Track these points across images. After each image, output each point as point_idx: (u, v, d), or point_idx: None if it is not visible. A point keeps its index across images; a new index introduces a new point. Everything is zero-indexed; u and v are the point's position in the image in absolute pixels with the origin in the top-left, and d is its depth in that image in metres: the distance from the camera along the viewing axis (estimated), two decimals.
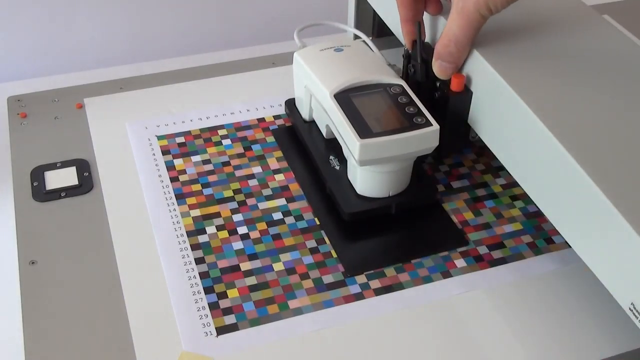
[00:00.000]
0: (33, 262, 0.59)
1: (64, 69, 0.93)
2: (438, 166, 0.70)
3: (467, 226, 0.64)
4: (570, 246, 0.62)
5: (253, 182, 0.68)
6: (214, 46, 0.98)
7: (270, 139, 0.73)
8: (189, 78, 0.81)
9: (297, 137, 0.72)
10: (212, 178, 0.68)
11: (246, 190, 0.67)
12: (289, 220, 0.64)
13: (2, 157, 0.72)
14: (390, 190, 0.63)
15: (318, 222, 0.64)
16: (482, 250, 0.61)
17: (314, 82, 0.64)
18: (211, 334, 0.54)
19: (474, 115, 0.61)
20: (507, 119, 0.56)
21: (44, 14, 0.89)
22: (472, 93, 0.60)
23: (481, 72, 0.59)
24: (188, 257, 0.60)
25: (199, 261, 0.60)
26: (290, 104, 0.74)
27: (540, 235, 0.63)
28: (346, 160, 0.64)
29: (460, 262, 0.60)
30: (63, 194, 0.66)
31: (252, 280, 0.58)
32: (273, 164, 0.70)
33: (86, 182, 0.67)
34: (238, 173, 0.69)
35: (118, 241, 0.61)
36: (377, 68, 0.65)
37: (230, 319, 0.55)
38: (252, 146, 0.72)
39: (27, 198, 0.66)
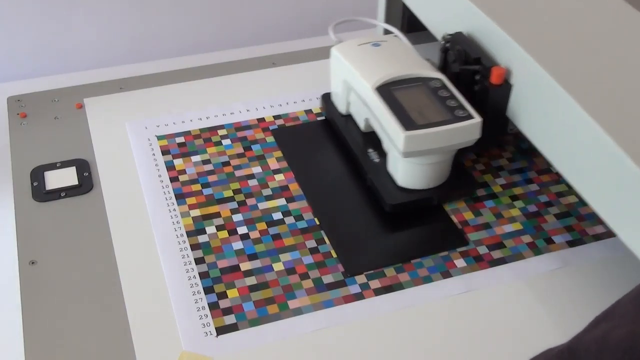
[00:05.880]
0: (33, 262, 0.59)
1: (64, 69, 0.93)
2: None
3: (467, 226, 0.64)
4: (570, 246, 0.62)
5: (253, 182, 0.68)
6: (214, 46, 0.98)
7: (270, 139, 0.73)
8: (189, 78, 0.81)
9: (298, 137, 0.72)
10: (212, 178, 0.68)
11: (246, 190, 0.67)
12: (289, 220, 0.64)
13: (2, 157, 0.72)
14: (430, 182, 0.64)
15: (318, 222, 0.64)
16: (482, 250, 0.61)
17: (354, 76, 0.65)
18: (211, 334, 0.54)
19: (514, 107, 0.61)
20: (550, 111, 0.56)
21: (44, 14, 0.89)
22: (511, 86, 0.61)
23: (522, 64, 0.59)
24: (188, 257, 0.60)
25: (199, 261, 0.60)
26: (326, 98, 0.74)
27: (540, 235, 0.63)
28: (385, 153, 0.65)
29: (460, 262, 0.60)
30: (63, 194, 0.66)
31: (252, 280, 0.58)
32: (273, 164, 0.70)
33: (86, 182, 0.67)
34: (238, 173, 0.69)
35: (118, 241, 0.61)
36: (416, 62, 0.66)
37: (230, 319, 0.55)
38: (252, 146, 0.72)
39: (27, 198, 0.66)
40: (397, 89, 0.62)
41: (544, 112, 0.57)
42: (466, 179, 0.66)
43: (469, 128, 0.59)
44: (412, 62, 0.66)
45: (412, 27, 0.83)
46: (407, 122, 0.59)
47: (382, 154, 0.66)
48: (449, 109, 0.60)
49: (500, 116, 0.63)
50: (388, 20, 0.84)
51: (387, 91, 0.62)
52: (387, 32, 0.82)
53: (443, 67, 0.67)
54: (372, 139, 0.67)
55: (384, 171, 0.65)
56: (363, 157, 0.67)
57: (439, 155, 0.61)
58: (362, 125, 0.69)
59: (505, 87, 0.61)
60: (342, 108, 0.72)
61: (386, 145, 0.64)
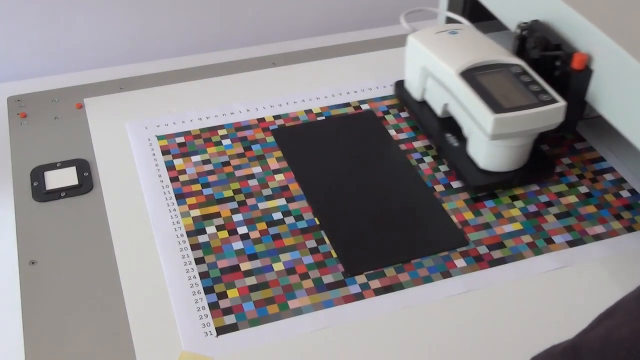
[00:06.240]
0: (33, 262, 0.59)
1: (64, 69, 0.93)
2: (438, 166, 0.70)
3: (467, 226, 0.64)
4: (570, 246, 0.62)
5: (253, 182, 0.68)
6: (214, 46, 0.98)
7: (270, 139, 0.73)
8: (189, 78, 0.81)
9: (298, 137, 0.72)
10: (212, 178, 0.68)
11: (246, 190, 0.67)
12: (289, 220, 0.64)
13: (2, 157, 0.72)
14: (512, 165, 0.66)
15: (318, 222, 0.64)
16: (482, 250, 0.61)
17: (434, 63, 0.68)
18: (211, 334, 0.54)
19: (594, 92, 0.63)
20: (635, 95, 0.57)
21: (44, 14, 0.89)
22: (592, 71, 0.62)
23: (604, 50, 0.60)
24: (188, 257, 0.60)
25: (199, 261, 0.60)
26: (400, 85, 0.76)
27: (540, 235, 0.63)
28: (462, 137, 0.68)
29: (460, 262, 0.60)
30: (63, 194, 0.66)
31: (252, 280, 0.58)
32: (273, 164, 0.70)
33: (86, 182, 0.67)
34: (238, 173, 0.69)
35: (118, 241, 0.61)
36: (495, 49, 0.68)
37: (230, 319, 0.55)
38: (252, 146, 0.72)
39: (27, 198, 0.66)
40: (481, 74, 0.65)
41: (628, 96, 0.58)
42: (545, 163, 0.68)
43: (554, 111, 0.62)
44: (491, 49, 0.68)
45: (472, 17, 0.84)
46: (495, 106, 0.61)
47: (460, 139, 0.69)
48: (533, 93, 0.63)
49: (580, 101, 0.64)
50: (450, 10, 0.86)
51: (472, 76, 0.65)
52: (449, 21, 0.84)
53: (518, 54, 0.69)
54: (448, 124, 0.70)
55: (464, 154, 0.68)
56: (442, 141, 0.69)
57: (522, 138, 0.64)
58: (439, 111, 0.71)
59: (587, 72, 0.63)
60: (416, 95, 0.74)
61: (467, 129, 0.67)
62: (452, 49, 0.68)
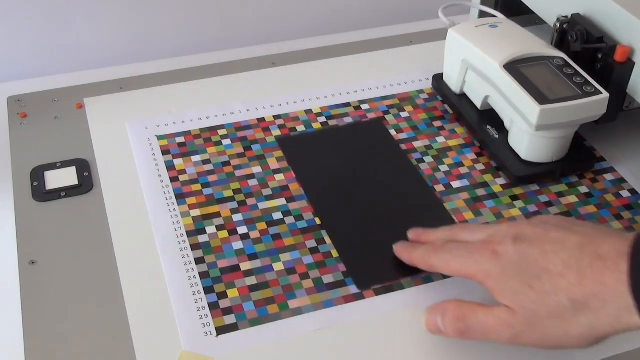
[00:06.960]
0: (33, 262, 0.59)
1: (64, 69, 0.93)
2: (438, 166, 0.70)
3: None
4: None
5: (253, 182, 0.68)
6: (214, 46, 0.98)
7: (270, 139, 0.73)
8: (189, 78, 0.81)
9: (305, 147, 0.72)
10: (212, 178, 0.68)
11: (246, 190, 0.67)
12: (289, 220, 0.64)
13: (2, 157, 0.72)
14: (554, 156, 0.67)
15: (318, 222, 0.64)
16: None
17: (477, 55, 0.69)
18: (211, 334, 0.54)
19: (636, 84, 0.64)
20: None
21: (44, 14, 0.89)
22: (634, 63, 0.63)
23: None
24: (188, 257, 0.60)
25: (199, 261, 0.60)
26: (438, 78, 0.78)
27: None
28: (502, 129, 0.70)
29: None
30: (63, 194, 0.66)
31: (252, 280, 0.58)
32: (273, 164, 0.70)
33: (86, 182, 0.67)
34: (238, 173, 0.69)
35: (118, 241, 0.61)
36: (536, 42, 0.69)
37: (230, 319, 0.55)
38: (252, 146, 0.72)
39: (27, 198, 0.66)
40: (524, 67, 0.66)
41: None
42: (585, 153, 0.69)
43: (597, 103, 0.63)
44: (532, 41, 0.69)
45: (504, 12, 0.85)
46: (540, 97, 0.62)
47: (500, 130, 0.70)
48: (576, 85, 0.64)
49: (621, 93, 0.66)
50: (483, 4, 0.87)
51: (515, 68, 0.65)
52: (481, 15, 0.84)
53: (558, 48, 0.70)
54: (487, 116, 0.71)
55: (506, 146, 0.69)
56: (483, 133, 0.71)
57: (565, 129, 0.65)
58: (479, 103, 0.72)
59: (629, 64, 0.64)
60: (455, 88, 0.75)
61: (509, 121, 0.68)
62: (493, 42, 0.69)
